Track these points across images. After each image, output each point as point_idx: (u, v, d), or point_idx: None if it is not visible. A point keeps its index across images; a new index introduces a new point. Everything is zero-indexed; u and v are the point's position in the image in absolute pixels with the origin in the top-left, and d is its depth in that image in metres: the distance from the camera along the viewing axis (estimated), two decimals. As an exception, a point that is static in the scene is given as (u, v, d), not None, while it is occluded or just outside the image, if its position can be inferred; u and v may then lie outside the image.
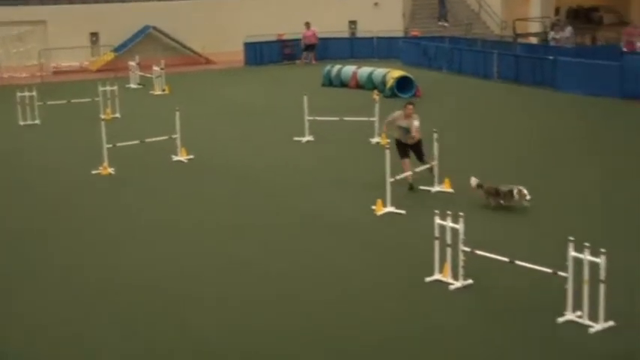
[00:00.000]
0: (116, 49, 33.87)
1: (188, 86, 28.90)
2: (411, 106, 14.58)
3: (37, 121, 22.50)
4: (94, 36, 34.44)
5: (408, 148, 14.69)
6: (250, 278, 10.89)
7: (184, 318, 9.69)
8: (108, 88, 23.20)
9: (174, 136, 17.75)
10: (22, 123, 22.40)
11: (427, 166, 14.58)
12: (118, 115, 23.03)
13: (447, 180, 14.61)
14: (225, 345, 9.00)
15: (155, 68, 28.09)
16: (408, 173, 14.44)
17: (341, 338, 9.08)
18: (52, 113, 23.15)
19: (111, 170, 16.65)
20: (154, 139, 17.86)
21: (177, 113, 17.75)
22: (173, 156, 17.66)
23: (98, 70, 32.87)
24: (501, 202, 13.46)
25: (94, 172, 16.67)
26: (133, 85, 29.14)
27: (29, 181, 16.44)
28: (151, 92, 27.68)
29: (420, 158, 14.84)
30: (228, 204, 14.37)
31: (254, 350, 8.87)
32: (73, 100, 23.97)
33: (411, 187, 14.52)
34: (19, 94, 22.54)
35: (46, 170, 17.36)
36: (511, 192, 13.34)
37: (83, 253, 12.11)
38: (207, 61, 35.11)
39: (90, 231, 13.17)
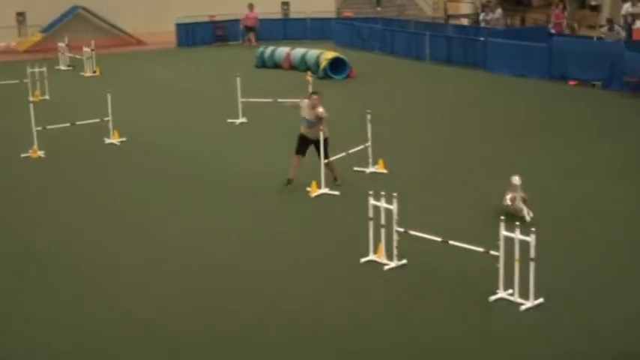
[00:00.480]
0: (44, 30, 33.10)
1: (119, 68, 28.44)
2: (315, 96, 13.62)
3: (-38, 104, 21.95)
4: (21, 16, 33.55)
5: (309, 145, 13.71)
6: (184, 260, 10.85)
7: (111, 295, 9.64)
8: (37, 69, 22.68)
9: (105, 119, 17.49)
10: (-55, 106, 21.81)
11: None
12: (47, 97, 22.54)
13: (380, 161, 14.74)
14: (157, 324, 8.98)
15: (85, 49, 27.54)
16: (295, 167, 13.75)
17: (274, 319, 9.12)
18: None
19: (41, 153, 16.34)
20: (85, 122, 17.58)
21: (109, 95, 17.49)
22: (105, 139, 17.41)
23: (26, 51, 32.09)
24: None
25: (23, 155, 16.34)
26: (62, 67, 28.52)
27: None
28: (82, 74, 27.16)
29: (322, 156, 13.58)
30: (161, 187, 14.25)
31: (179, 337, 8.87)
32: (0, 82, 23.38)
33: (288, 182, 13.72)
34: (-58, 75, 21.94)
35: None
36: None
37: (9, 238, 11.90)
38: (139, 42, 34.57)
39: (17, 215, 12.93)
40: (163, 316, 9.27)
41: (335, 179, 13.86)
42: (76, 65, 28.03)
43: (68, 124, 17.37)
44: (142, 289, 10.01)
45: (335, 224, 12.15)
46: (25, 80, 22.61)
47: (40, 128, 16.48)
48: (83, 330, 9.00)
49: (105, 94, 17.67)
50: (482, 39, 26.72)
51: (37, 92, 22.52)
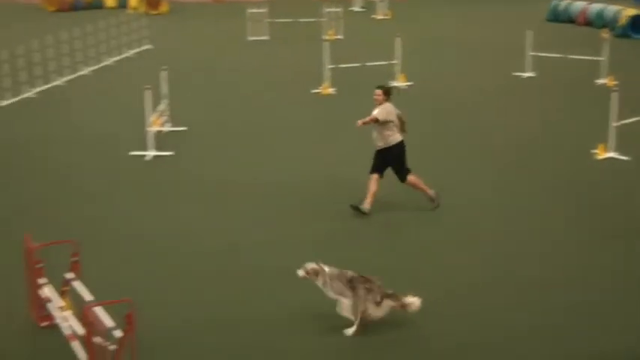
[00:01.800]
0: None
1: (409, 13, 28.82)
2: (378, 91, 10.29)
3: (265, 37, 23.42)
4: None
5: (381, 159, 10.21)
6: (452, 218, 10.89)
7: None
8: (333, 9, 23.63)
9: (393, 62, 17.88)
10: (250, 38, 23.40)
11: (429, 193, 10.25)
12: (340, 36, 23.45)
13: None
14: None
15: (379, -8, 28.23)
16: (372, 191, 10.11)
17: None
18: (279, 30, 23.96)
19: (331, 90, 17.11)
20: (374, 63, 18.09)
21: (398, 39, 17.82)
22: (392, 81, 17.82)
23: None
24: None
25: (313, 90, 17.20)
26: (356, 8, 29.47)
27: (252, 96, 17.22)
28: (373, 16, 27.87)
29: (401, 177, 10.29)
30: (442, 132, 14.32)
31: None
32: (299, 19, 24.62)
33: (357, 209, 10.07)
34: (249, 10, 23.50)
35: (271, 84, 18.09)
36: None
37: (295, 168, 12.60)
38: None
39: (303, 145, 13.60)
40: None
41: (431, 200, 10.39)
42: (369, 7, 28.80)
43: (358, 64, 17.97)
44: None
45: (620, 190, 11.50)
46: (321, 19, 23.65)
47: (332, 66, 17.22)
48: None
49: (394, 38, 18.02)
50: None
51: (331, 31, 23.47)
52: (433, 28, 25.97)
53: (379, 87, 10.45)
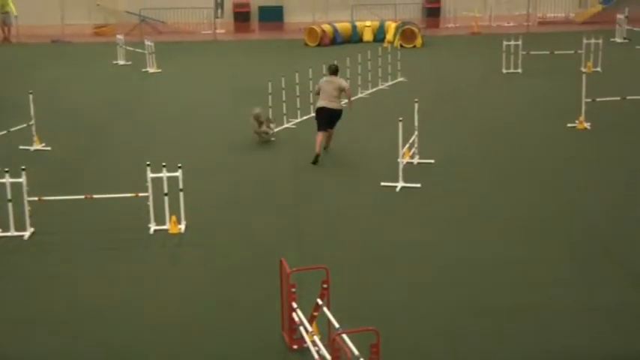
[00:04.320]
0: (604, 1, 33.01)
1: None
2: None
3: (518, 70, 23.06)
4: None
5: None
6: None
7: None
8: (592, 41, 22.80)
9: (657, 96, 16.91)
10: (504, 71, 23.13)
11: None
12: (599, 69, 22.58)
13: None
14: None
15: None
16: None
17: None
18: (533, 63, 23.49)
19: (587, 125, 16.50)
20: (636, 97, 17.21)
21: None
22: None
23: (583, 23, 32.43)
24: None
25: (569, 125, 16.67)
26: (618, 40, 28.20)
27: (502, 129, 17.00)
28: (638, 47, 26.55)
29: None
30: None
31: None
32: (555, 52, 23.99)
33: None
34: (505, 42, 23.26)
35: (521, 119, 17.75)
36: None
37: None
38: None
39: (553, 181, 13.26)
40: None
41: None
42: (632, 38, 27.51)
43: (618, 98, 17.16)
44: None
45: None
46: (579, 51, 22.90)
47: (589, 100, 16.60)
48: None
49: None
50: None
51: (590, 63, 22.65)
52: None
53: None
